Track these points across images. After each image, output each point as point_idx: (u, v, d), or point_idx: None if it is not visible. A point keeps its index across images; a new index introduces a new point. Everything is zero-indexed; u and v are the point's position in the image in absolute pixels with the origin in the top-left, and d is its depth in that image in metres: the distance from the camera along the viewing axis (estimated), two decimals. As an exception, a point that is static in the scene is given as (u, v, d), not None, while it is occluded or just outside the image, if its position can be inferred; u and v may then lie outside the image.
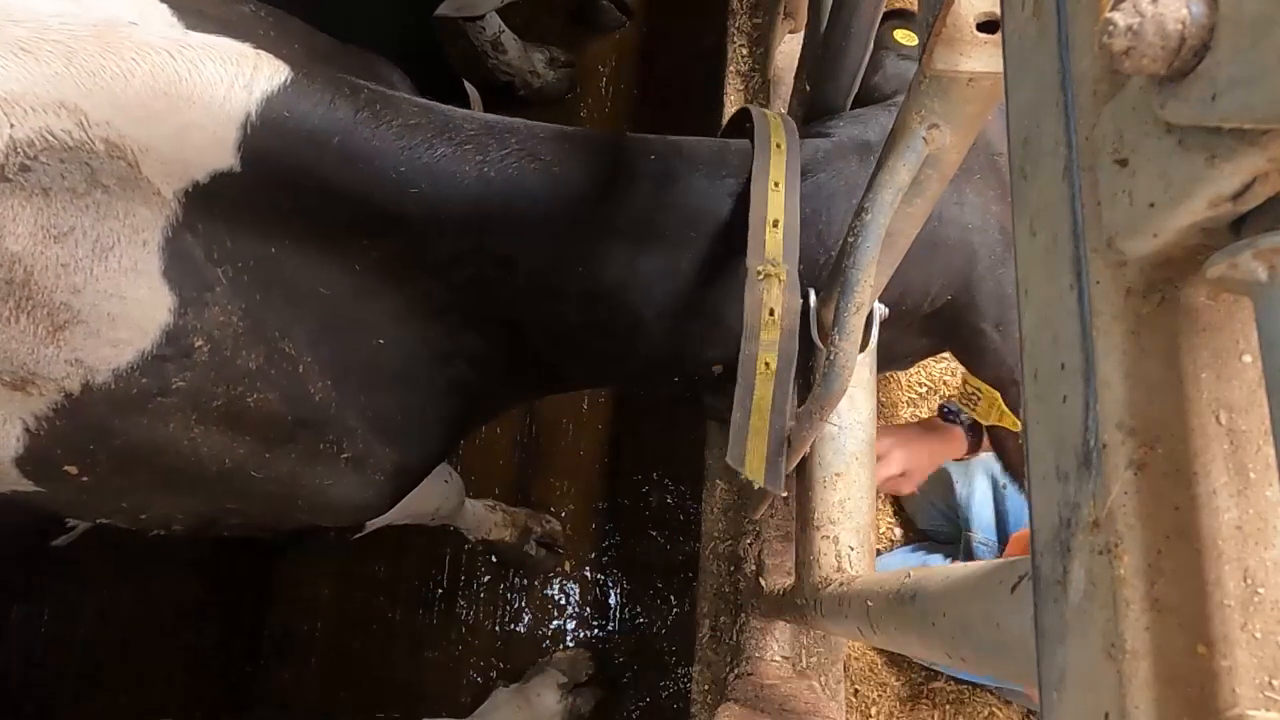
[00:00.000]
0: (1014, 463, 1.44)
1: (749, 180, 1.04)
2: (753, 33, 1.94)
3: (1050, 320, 0.42)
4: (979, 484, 1.90)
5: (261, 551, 2.29)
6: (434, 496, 1.80)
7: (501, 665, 2.24)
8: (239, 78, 0.87)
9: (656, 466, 2.35)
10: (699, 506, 1.64)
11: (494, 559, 2.30)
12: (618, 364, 1.28)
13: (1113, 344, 0.38)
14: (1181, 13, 0.30)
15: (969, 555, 1.87)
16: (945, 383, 2.20)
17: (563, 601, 2.29)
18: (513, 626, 2.27)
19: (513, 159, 1.00)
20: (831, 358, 0.88)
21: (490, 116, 1.03)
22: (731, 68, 1.91)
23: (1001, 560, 0.60)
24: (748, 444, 0.94)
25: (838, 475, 1.13)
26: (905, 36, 1.30)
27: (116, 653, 2.22)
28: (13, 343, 0.85)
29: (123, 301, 0.87)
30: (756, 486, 0.95)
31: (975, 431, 1.53)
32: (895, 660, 2.04)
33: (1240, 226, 0.34)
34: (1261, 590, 0.36)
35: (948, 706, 2.00)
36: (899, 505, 2.14)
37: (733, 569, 1.55)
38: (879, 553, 2.03)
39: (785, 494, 1.16)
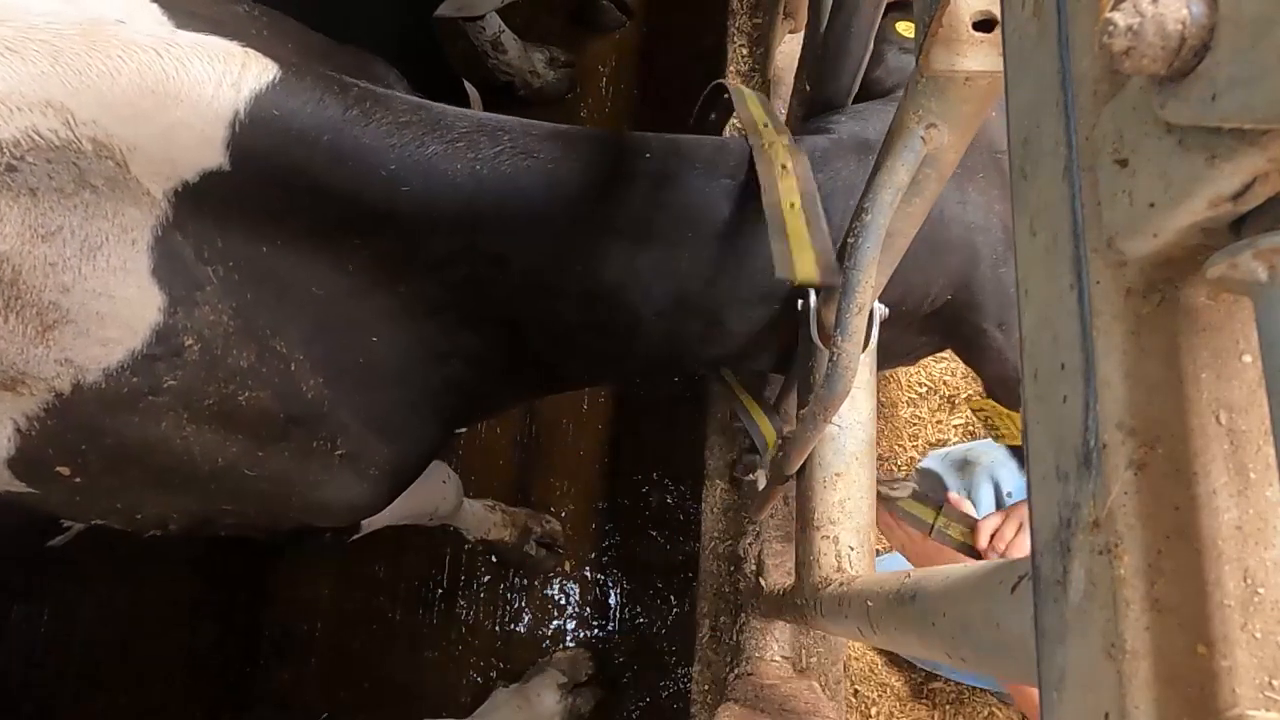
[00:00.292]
0: None
1: (747, 180, 1.04)
2: (753, 33, 1.94)
3: (1050, 320, 0.42)
4: (983, 491, 1.89)
5: (261, 552, 2.29)
6: (432, 496, 1.80)
7: (501, 665, 2.24)
8: (227, 76, 0.86)
9: (656, 466, 2.35)
10: (699, 506, 1.64)
11: (494, 559, 2.30)
12: (617, 363, 1.28)
13: (1113, 344, 0.38)
14: (1181, 13, 0.30)
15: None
16: (945, 383, 2.20)
17: (563, 601, 2.29)
18: (513, 626, 2.27)
19: (506, 157, 0.99)
20: (834, 359, 0.88)
21: (484, 114, 1.03)
22: (731, 68, 1.91)
23: (1001, 560, 0.60)
24: (792, 256, 0.93)
25: (838, 475, 1.13)
26: (907, 29, 1.29)
27: (116, 653, 2.22)
28: (2, 342, 0.85)
29: (112, 300, 0.87)
30: (813, 288, 0.94)
31: (971, 554, 1.48)
32: (895, 660, 2.04)
33: (1240, 226, 0.34)
34: (1261, 590, 0.36)
35: (947, 706, 2.00)
36: (899, 505, 2.14)
37: (733, 569, 1.55)
38: (878, 553, 2.03)
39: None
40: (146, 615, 2.24)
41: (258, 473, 1.06)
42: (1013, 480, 1.82)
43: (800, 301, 1.09)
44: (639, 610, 2.28)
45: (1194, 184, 0.32)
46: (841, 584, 1.03)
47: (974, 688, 1.99)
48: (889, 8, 1.16)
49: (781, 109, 1.70)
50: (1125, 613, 0.36)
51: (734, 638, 1.47)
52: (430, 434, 1.22)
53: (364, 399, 1.10)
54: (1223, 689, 0.35)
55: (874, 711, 1.99)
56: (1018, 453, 1.38)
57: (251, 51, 0.89)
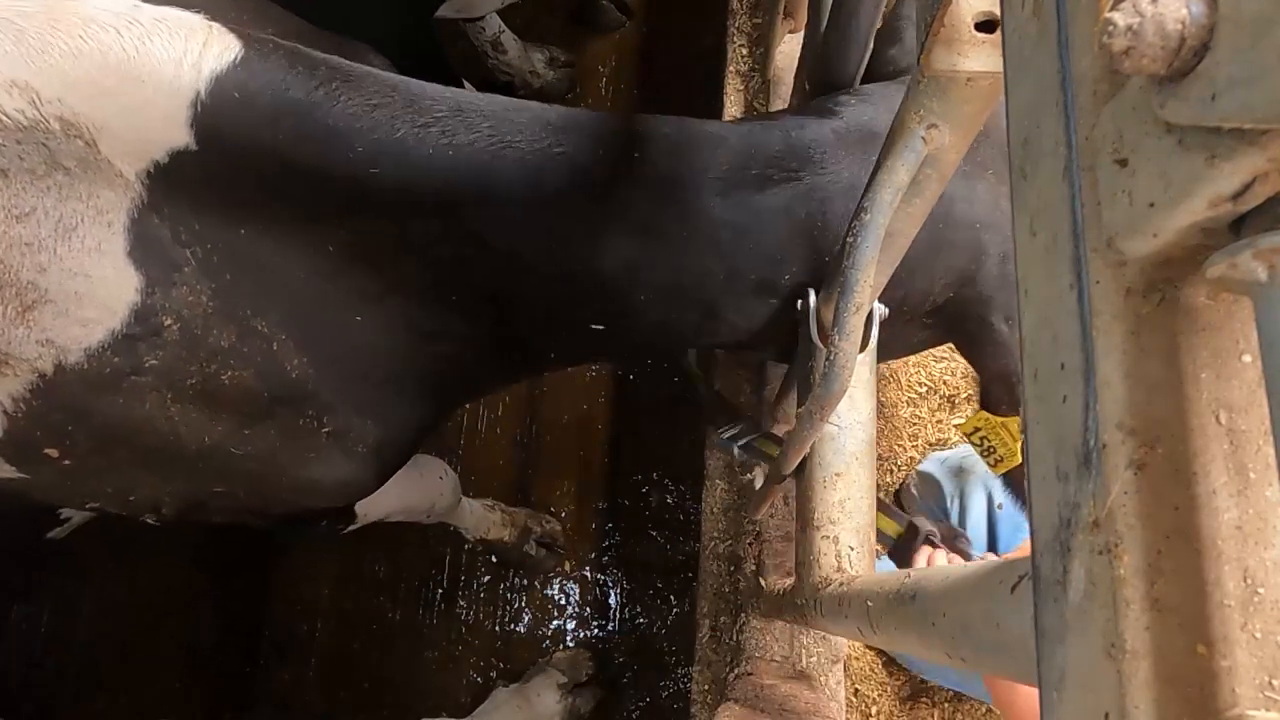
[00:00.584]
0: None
1: (740, 169, 1.03)
2: (753, 33, 1.94)
3: (1050, 320, 0.42)
4: (975, 499, 1.89)
5: (262, 551, 2.29)
6: (429, 492, 1.80)
7: (501, 665, 2.24)
8: (188, 54, 0.86)
9: (656, 466, 2.35)
10: (699, 506, 1.64)
11: (494, 559, 2.30)
12: (610, 346, 1.26)
13: (1113, 344, 0.38)
14: (1181, 13, 0.30)
15: None
16: (945, 383, 2.20)
17: (563, 601, 2.29)
18: (513, 626, 2.27)
19: (482, 144, 0.97)
20: (831, 358, 0.88)
21: (466, 96, 1.01)
22: (731, 68, 1.91)
23: (1001, 560, 0.60)
24: None
25: (838, 475, 1.13)
26: None
27: (116, 652, 2.22)
28: None
29: (89, 280, 0.87)
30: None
31: None
32: (895, 660, 2.04)
33: (1240, 226, 0.34)
34: (1261, 590, 0.36)
35: (947, 705, 2.00)
36: (900, 506, 2.14)
37: (733, 569, 1.55)
38: (878, 554, 2.03)
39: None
40: (147, 615, 2.24)
41: (245, 451, 1.06)
42: (1005, 492, 1.82)
43: (800, 301, 1.09)
44: (639, 610, 2.28)
45: (1194, 184, 0.32)
46: (841, 584, 1.03)
47: (974, 688, 1.99)
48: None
49: (781, 109, 1.70)
50: (1125, 613, 0.36)
51: (734, 638, 1.47)
52: (418, 414, 1.22)
53: (349, 379, 1.09)
54: (1223, 689, 0.35)
55: (874, 711, 1.99)
56: (1009, 479, 1.35)
57: (216, 27, 0.88)
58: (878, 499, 1.21)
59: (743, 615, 1.48)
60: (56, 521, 1.64)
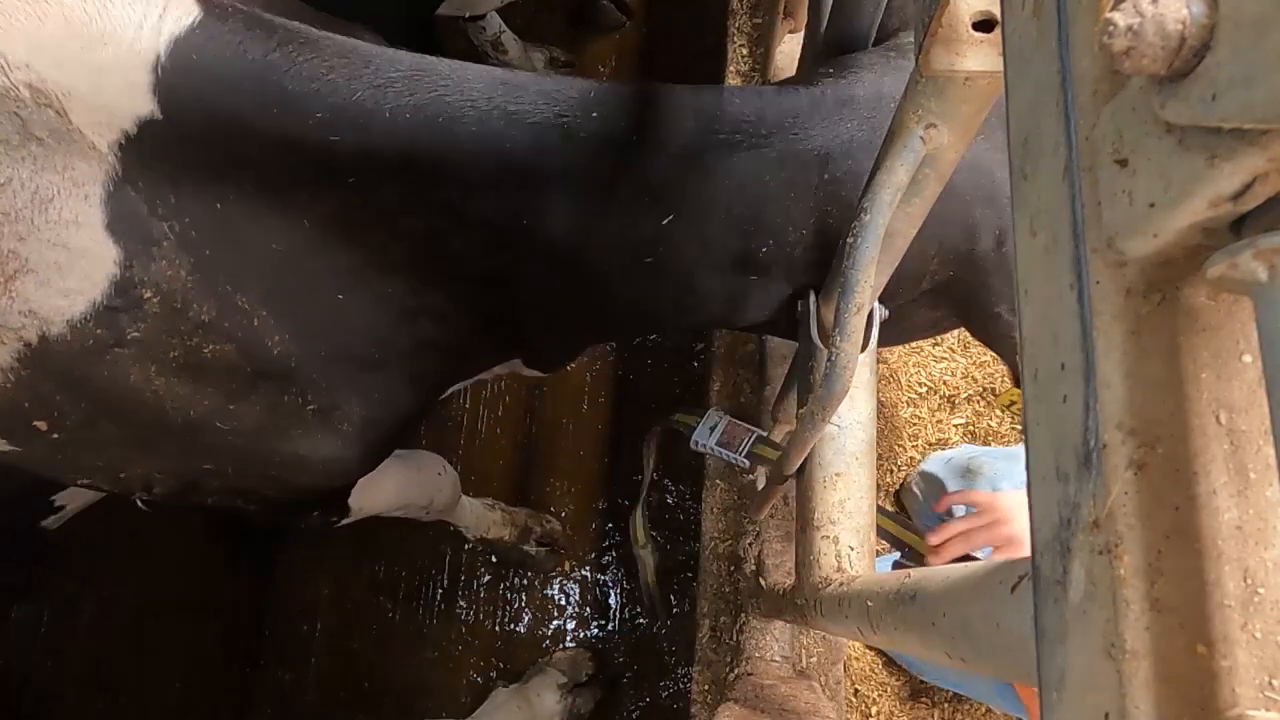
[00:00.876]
0: None
1: (702, 141, 1.00)
2: (753, 33, 1.94)
3: (1050, 320, 0.42)
4: None
5: (262, 551, 2.29)
6: (427, 488, 1.79)
7: (501, 665, 2.24)
8: (147, 18, 0.85)
9: (657, 467, 2.35)
10: (699, 506, 1.64)
11: (494, 559, 2.30)
12: (589, 324, 1.25)
13: (1113, 344, 0.38)
14: (1181, 13, 0.30)
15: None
16: (945, 383, 2.20)
17: (563, 601, 2.29)
18: (513, 626, 2.27)
19: (438, 107, 0.94)
20: (832, 359, 0.88)
21: (424, 59, 0.98)
22: (731, 68, 1.91)
23: (1001, 560, 0.60)
24: None
25: (838, 475, 1.13)
26: None
27: (116, 653, 2.22)
28: None
29: (68, 252, 0.88)
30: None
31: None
32: (895, 660, 2.04)
33: (1240, 226, 0.34)
34: (1261, 590, 0.36)
35: (946, 705, 2.00)
36: (900, 506, 2.14)
37: (733, 569, 1.55)
38: (878, 553, 2.03)
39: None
40: (147, 615, 2.24)
41: (230, 426, 1.07)
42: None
43: (800, 302, 1.09)
44: (639, 610, 2.28)
45: (1194, 184, 0.32)
46: (841, 584, 1.03)
47: (974, 687, 1.99)
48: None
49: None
50: (1125, 613, 0.36)
51: (734, 638, 1.47)
52: (404, 394, 1.21)
53: (332, 357, 1.09)
54: (1223, 689, 0.35)
55: (874, 711, 1.99)
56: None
57: None
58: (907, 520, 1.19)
59: (743, 615, 1.48)
60: (51, 509, 1.64)
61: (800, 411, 0.99)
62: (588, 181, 1.01)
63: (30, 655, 2.20)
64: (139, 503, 1.20)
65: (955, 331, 1.95)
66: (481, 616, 2.27)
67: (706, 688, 1.48)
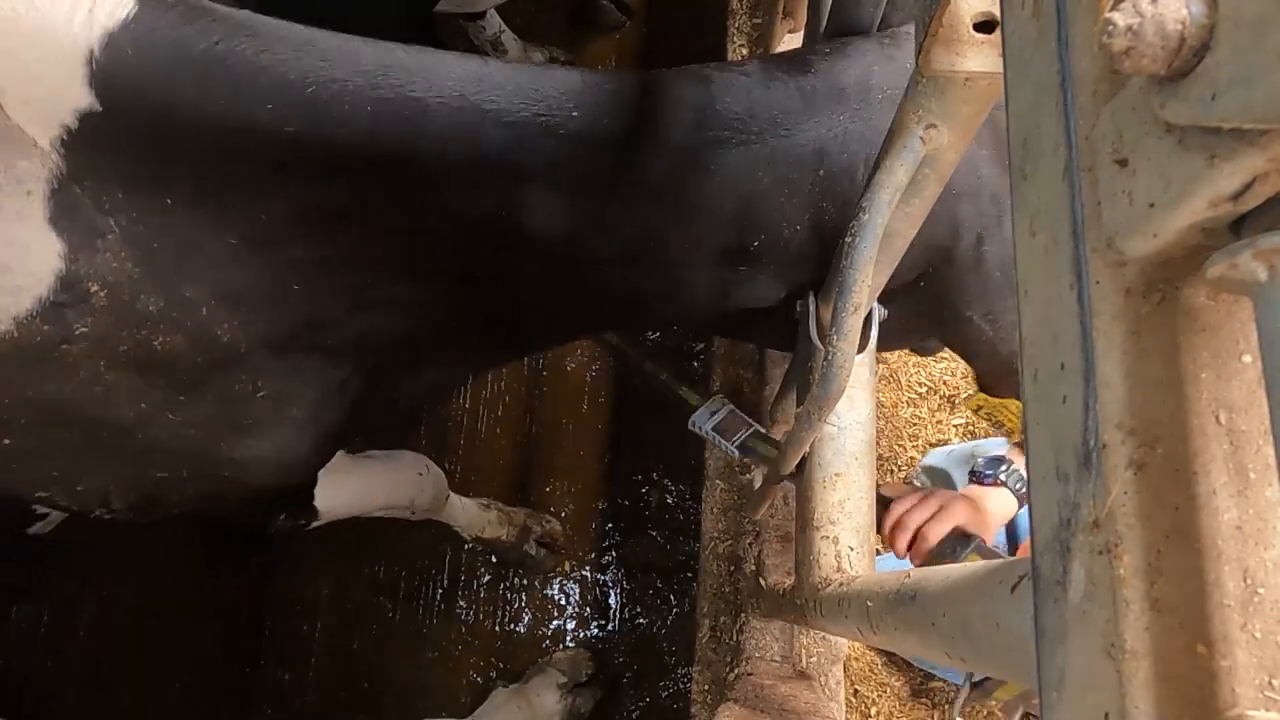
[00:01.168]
0: None
1: (692, 137, 0.98)
2: (753, 33, 1.94)
3: (1050, 320, 0.42)
4: None
5: (262, 551, 2.29)
6: (406, 488, 1.76)
7: (501, 665, 2.24)
8: (77, 10, 0.84)
9: (656, 466, 2.35)
10: (699, 506, 1.64)
11: (494, 559, 2.30)
12: (580, 318, 1.24)
13: (1113, 344, 0.38)
14: (1181, 13, 0.30)
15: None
16: (945, 383, 2.20)
17: (563, 601, 2.29)
18: (513, 626, 2.27)
19: (404, 101, 0.92)
20: (829, 358, 0.88)
21: (392, 50, 0.95)
22: (731, 68, 1.91)
23: (1001, 560, 0.60)
24: None
25: (837, 475, 1.13)
26: None
27: (116, 653, 2.22)
28: None
29: (12, 249, 0.87)
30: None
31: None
32: (895, 660, 2.04)
33: (1240, 226, 0.34)
34: (1261, 590, 0.36)
35: (946, 706, 2.00)
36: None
37: (733, 569, 1.55)
38: (878, 553, 2.03)
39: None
40: (146, 616, 2.24)
41: (182, 418, 1.06)
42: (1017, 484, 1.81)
43: (799, 301, 1.09)
44: (639, 610, 2.28)
45: (1194, 184, 0.32)
46: (841, 584, 1.03)
47: (974, 687, 1.99)
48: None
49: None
50: (1125, 613, 0.36)
51: (734, 638, 1.48)
52: (355, 382, 1.19)
53: (282, 344, 1.08)
54: (1223, 689, 0.35)
55: (874, 711, 1.99)
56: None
57: None
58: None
59: (743, 615, 1.48)
60: (36, 516, 1.63)
61: (798, 411, 0.99)
62: (573, 179, 1.00)
63: (30, 655, 2.20)
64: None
65: (955, 331, 1.95)
66: (481, 616, 2.27)
67: (706, 688, 1.48)
